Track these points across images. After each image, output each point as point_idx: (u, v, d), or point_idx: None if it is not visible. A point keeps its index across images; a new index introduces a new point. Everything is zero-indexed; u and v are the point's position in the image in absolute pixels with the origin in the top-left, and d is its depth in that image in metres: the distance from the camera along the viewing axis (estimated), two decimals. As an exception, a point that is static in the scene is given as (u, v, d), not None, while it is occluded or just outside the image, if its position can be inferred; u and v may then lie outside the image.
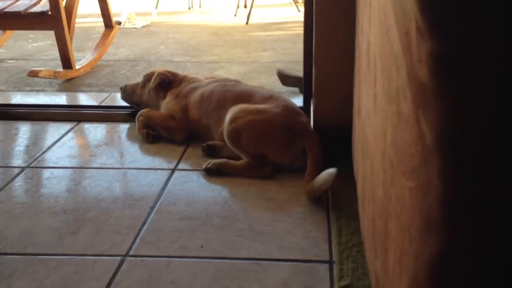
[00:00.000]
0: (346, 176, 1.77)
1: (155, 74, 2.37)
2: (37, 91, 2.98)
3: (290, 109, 1.97)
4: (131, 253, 1.46)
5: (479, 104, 0.60)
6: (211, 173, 1.89)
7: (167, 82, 2.34)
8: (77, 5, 3.40)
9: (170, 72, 2.38)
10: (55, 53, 3.40)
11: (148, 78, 2.41)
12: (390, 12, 0.81)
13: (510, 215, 0.64)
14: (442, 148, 0.62)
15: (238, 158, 1.93)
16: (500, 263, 0.65)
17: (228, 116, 1.96)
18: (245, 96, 2.06)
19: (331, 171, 1.64)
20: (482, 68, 0.60)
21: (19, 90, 3.01)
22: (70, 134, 2.33)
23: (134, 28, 4.98)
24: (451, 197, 0.63)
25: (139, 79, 3.16)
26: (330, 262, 1.42)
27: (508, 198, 0.63)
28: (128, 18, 5.13)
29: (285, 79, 2.88)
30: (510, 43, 0.59)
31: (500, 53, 0.59)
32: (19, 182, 1.90)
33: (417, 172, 0.70)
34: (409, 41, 0.67)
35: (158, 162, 2.04)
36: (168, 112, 2.22)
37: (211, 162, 1.91)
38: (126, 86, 2.51)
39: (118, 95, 2.84)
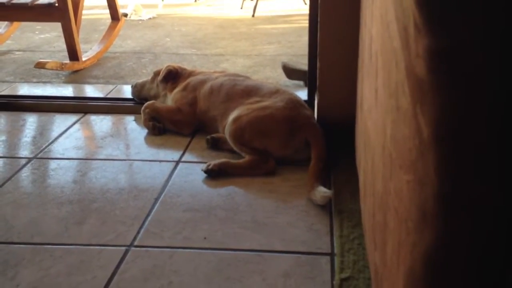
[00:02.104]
0: (349, 169, 1.79)
1: (164, 67, 2.40)
2: (44, 82, 3.00)
3: (294, 102, 1.98)
4: (135, 243, 1.49)
5: (474, 100, 0.61)
6: (214, 174, 1.83)
7: (174, 74, 2.36)
8: (84, -3, 3.42)
9: (179, 66, 2.41)
10: (62, 44, 3.43)
11: (157, 73, 2.44)
12: (390, 7, 0.82)
13: (504, 209, 0.65)
14: (438, 142, 0.64)
15: (239, 156, 1.93)
16: (494, 256, 0.66)
17: (232, 117, 1.97)
18: (253, 89, 2.09)
19: (328, 194, 1.63)
20: (478, 63, 0.61)
21: (26, 81, 3.04)
22: (77, 126, 2.35)
23: (141, 20, 5.00)
24: (446, 191, 0.64)
25: (145, 71, 3.21)
26: (331, 254, 1.43)
27: (502, 192, 0.64)
28: (135, 10, 5.14)
29: (290, 72, 2.89)
30: (506, 39, 0.60)
31: (496, 49, 0.60)
32: (25, 173, 1.92)
33: (414, 165, 0.71)
34: (408, 37, 0.68)
35: (163, 154, 2.06)
36: (176, 105, 2.24)
37: (211, 163, 1.85)
38: (136, 83, 2.54)
39: (124, 87, 2.87)
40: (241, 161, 1.89)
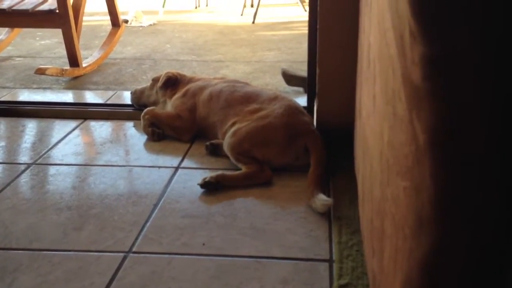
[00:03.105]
0: (348, 175, 1.79)
1: (163, 74, 2.41)
2: (44, 88, 3.01)
3: (292, 108, 1.99)
4: (134, 249, 1.49)
5: (469, 106, 0.61)
6: (211, 187, 1.78)
7: (174, 80, 2.37)
8: (85, 3, 3.43)
9: (178, 73, 2.41)
10: (62, 51, 3.44)
11: (156, 79, 2.45)
12: (387, 15, 0.83)
13: (500, 215, 0.65)
14: (433, 148, 0.64)
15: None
16: (491, 262, 0.66)
17: (232, 130, 1.96)
18: (252, 96, 2.09)
19: (328, 202, 1.63)
20: (473, 71, 0.61)
21: (26, 87, 3.04)
22: (76, 132, 2.35)
23: (141, 26, 5.01)
24: (442, 197, 0.64)
25: (145, 77, 3.21)
26: (330, 261, 1.43)
27: (499, 198, 0.64)
28: (135, 17, 5.15)
29: (290, 78, 2.89)
30: (502, 46, 0.60)
31: (491, 55, 0.61)
32: (25, 179, 1.92)
33: (410, 172, 0.71)
34: (404, 44, 0.69)
35: (162, 160, 2.06)
36: (175, 111, 2.24)
37: (207, 176, 1.80)
38: (135, 89, 2.54)
39: (124, 93, 2.88)
40: (238, 172, 1.86)
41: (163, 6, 5.91)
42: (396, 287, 0.79)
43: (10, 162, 2.06)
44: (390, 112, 0.84)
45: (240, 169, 1.88)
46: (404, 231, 0.75)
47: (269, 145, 1.90)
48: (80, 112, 2.53)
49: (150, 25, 5.09)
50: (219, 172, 1.85)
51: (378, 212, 0.99)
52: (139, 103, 2.51)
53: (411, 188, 0.72)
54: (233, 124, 2.01)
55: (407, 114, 0.70)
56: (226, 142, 1.95)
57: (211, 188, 1.79)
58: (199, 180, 1.81)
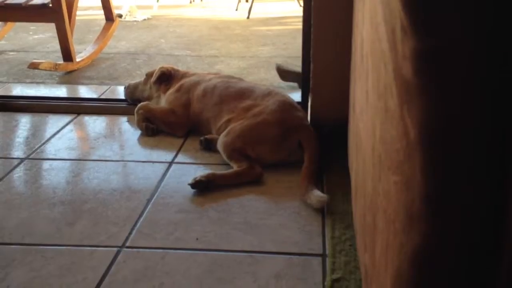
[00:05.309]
0: (342, 171, 1.79)
1: (157, 69, 2.40)
2: (38, 83, 2.99)
3: (286, 104, 1.99)
4: (127, 244, 1.48)
5: (460, 101, 0.62)
6: (202, 186, 1.75)
7: (168, 75, 2.36)
8: (78, -2, 3.42)
9: (172, 68, 2.41)
10: (56, 45, 3.42)
11: (150, 74, 2.44)
12: (379, 9, 0.83)
13: (490, 209, 0.65)
14: (424, 143, 0.64)
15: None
16: (481, 257, 0.67)
17: (227, 129, 1.95)
18: (245, 92, 2.09)
19: (324, 198, 1.63)
20: (464, 65, 0.61)
21: (20, 82, 3.03)
22: (70, 126, 2.35)
23: (135, 21, 4.99)
24: (432, 192, 0.65)
25: (140, 72, 3.20)
26: (323, 255, 1.44)
27: (488, 192, 0.64)
28: (129, 11, 5.13)
29: (284, 74, 2.89)
30: (493, 40, 0.60)
31: (482, 49, 0.61)
32: (18, 173, 1.92)
33: (401, 167, 0.71)
34: (395, 39, 0.69)
35: (156, 155, 2.06)
36: (169, 106, 2.24)
37: (198, 176, 1.77)
38: (129, 84, 2.53)
39: (118, 88, 2.87)
40: (228, 171, 1.84)
41: (158, 1, 5.89)
42: (387, 281, 0.80)
43: (3, 157, 2.06)
44: (382, 107, 0.84)
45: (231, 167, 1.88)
46: (395, 225, 0.75)
47: (262, 143, 1.90)
48: (74, 107, 2.52)
49: (145, 19, 5.07)
50: (210, 171, 1.83)
51: (370, 207, 0.99)
52: (133, 98, 2.50)
53: (401, 183, 0.72)
54: (228, 121, 2.01)
55: (398, 109, 0.71)
56: (220, 141, 1.94)
57: (202, 187, 1.77)
58: (190, 180, 1.77)
